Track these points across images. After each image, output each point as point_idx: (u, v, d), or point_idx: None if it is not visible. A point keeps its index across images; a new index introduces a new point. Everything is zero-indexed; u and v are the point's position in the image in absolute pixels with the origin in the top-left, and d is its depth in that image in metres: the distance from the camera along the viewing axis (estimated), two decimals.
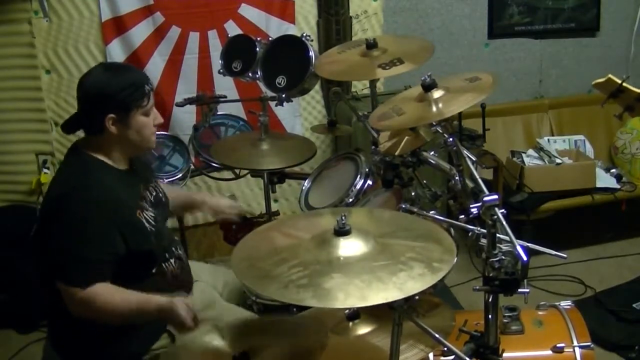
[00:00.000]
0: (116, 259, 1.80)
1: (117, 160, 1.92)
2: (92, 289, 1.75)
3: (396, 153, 1.98)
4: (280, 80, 2.39)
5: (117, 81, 1.84)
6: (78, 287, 1.75)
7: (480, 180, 1.65)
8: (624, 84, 1.85)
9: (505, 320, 1.87)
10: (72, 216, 1.77)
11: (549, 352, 1.82)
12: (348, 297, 1.25)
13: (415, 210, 1.89)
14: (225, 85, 3.27)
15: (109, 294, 1.77)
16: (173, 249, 2.05)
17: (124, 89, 1.83)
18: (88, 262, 1.77)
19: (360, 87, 3.71)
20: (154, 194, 2.05)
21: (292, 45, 2.44)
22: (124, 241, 1.82)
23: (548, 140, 3.85)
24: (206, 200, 2.35)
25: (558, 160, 3.62)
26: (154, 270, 1.94)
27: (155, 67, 3.41)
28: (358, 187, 2.22)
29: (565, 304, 2.00)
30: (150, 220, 1.93)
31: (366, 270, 1.32)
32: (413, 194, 2.04)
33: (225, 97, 2.92)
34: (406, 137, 1.96)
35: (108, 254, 1.79)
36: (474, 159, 1.77)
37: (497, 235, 1.46)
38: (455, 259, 1.37)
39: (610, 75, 1.88)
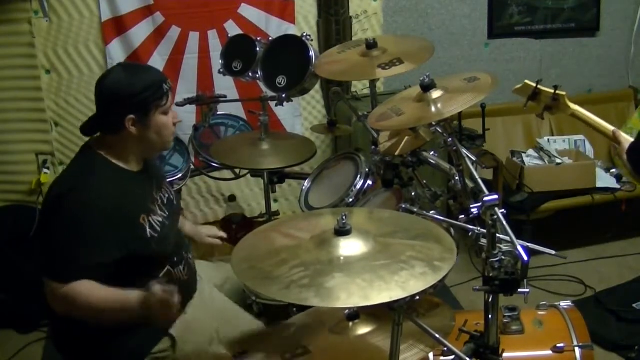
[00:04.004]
0: (106, 264, 1.78)
1: (131, 161, 1.91)
2: (74, 286, 1.73)
3: (396, 153, 1.98)
4: (281, 80, 2.39)
5: (135, 82, 1.84)
6: (59, 282, 1.74)
7: (480, 180, 1.65)
8: (539, 86, 1.97)
9: (505, 320, 1.87)
10: (68, 216, 1.76)
11: (549, 352, 1.82)
12: (350, 296, 1.25)
13: (415, 210, 1.89)
14: (225, 85, 3.27)
15: (90, 292, 1.74)
16: (183, 252, 2.03)
17: (143, 90, 1.83)
18: (74, 261, 1.75)
19: (360, 87, 3.71)
20: (167, 196, 2.04)
21: (293, 45, 2.44)
22: (119, 246, 1.80)
23: (548, 140, 3.85)
24: (190, 234, 2.36)
25: (558, 160, 3.62)
26: (160, 275, 1.92)
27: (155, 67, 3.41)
28: (358, 187, 2.22)
29: (565, 304, 2.00)
30: (156, 226, 1.90)
31: (367, 270, 1.32)
32: (413, 194, 2.04)
33: (225, 97, 2.92)
34: (406, 137, 1.96)
35: (98, 256, 1.77)
36: (474, 159, 1.77)
37: (497, 235, 1.46)
38: (456, 257, 1.37)
39: (526, 81, 2.00)
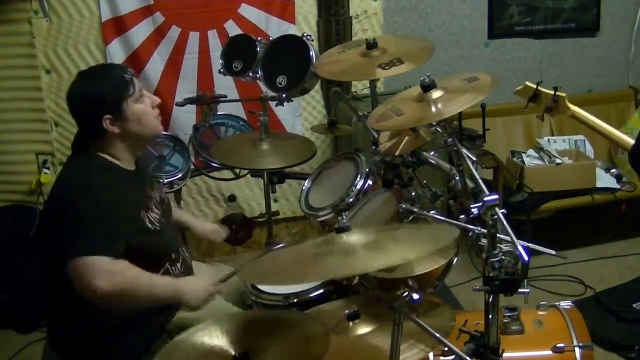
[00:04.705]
0: (123, 243, 1.78)
1: (125, 160, 1.93)
2: (121, 264, 1.73)
3: (396, 153, 1.98)
4: (281, 80, 2.39)
5: (97, 83, 1.86)
6: (102, 254, 1.70)
7: (480, 180, 1.65)
8: (539, 88, 2.01)
9: (505, 320, 1.87)
10: (76, 210, 1.76)
11: (549, 352, 1.82)
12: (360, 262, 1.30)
13: (415, 210, 1.89)
14: (225, 85, 3.27)
15: (139, 272, 1.75)
16: (180, 250, 2.05)
17: (107, 87, 1.84)
18: (100, 232, 1.73)
19: (360, 87, 3.71)
20: (158, 194, 2.06)
21: (293, 45, 2.44)
22: (129, 230, 1.81)
23: (548, 140, 3.85)
24: (196, 229, 2.37)
25: (558, 160, 3.62)
26: (160, 273, 1.93)
27: (155, 67, 3.41)
28: (358, 187, 2.22)
29: (565, 304, 2.00)
30: (154, 221, 1.92)
31: (371, 249, 1.35)
32: (413, 194, 2.04)
33: (225, 97, 2.92)
34: (406, 137, 1.96)
35: (116, 231, 1.77)
36: (474, 159, 1.77)
37: (497, 235, 1.46)
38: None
39: (526, 82, 2.04)
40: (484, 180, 1.67)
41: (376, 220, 2.09)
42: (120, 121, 1.86)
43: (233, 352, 1.52)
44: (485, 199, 1.43)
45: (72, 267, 1.71)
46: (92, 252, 1.72)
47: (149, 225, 1.90)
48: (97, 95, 1.83)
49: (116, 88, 1.85)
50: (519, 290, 1.45)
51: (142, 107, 1.90)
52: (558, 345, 1.81)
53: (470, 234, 1.64)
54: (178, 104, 2.87)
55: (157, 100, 1.97)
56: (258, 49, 2.49)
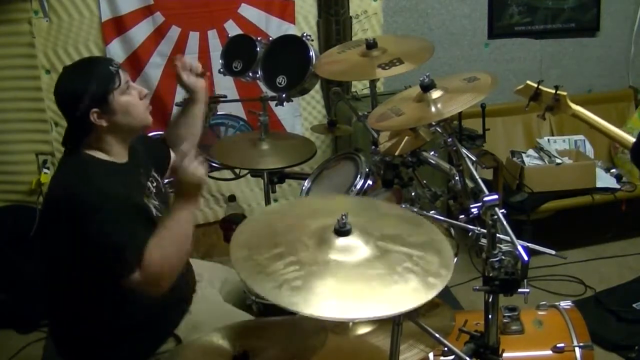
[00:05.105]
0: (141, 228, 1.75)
1: (117, 153, 1.90)
2: (145, 259, 1.67)
3: (396, 153, 1.98)
4: (281, 80, 2.39)
5: (81, 76, 1.84)
6: (135, 270, 1.66)
7: (480, 180, 1.66)
8: (540, 87, 2.01)
9: (505, 320, 1.87)
10: (83, 209, 1.72)
11: (549, 352, 1.82)
12: (338, 308, 1.22)
13: (415, 210, 1.88)
14: (225, 85, 3.26)
15: (158, 246, 1.70)
16: None
17: (92, 80, 1.82)
18: (122, 245, 1.69)
19: (360, 87, 3.71)
20: (155, 184, 2.04)
21: (293, 45, 2.44)
22: (142, 225, 1.77)
23: (548, 140, 3.85)
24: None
25: (558, 160, 3.62)
26: None
27: (155, 67, 3.41)
28: (358, 187, 2.22)
29: (565, 304, 2.00)
30: (159, 208, 1.92)
31: (361, 278, 1.28)
32: (413, 194, 2.04)
33: (225, 97, 2.92)
34: (406, 137, 1.96)
35: (132, 225, 1.73)
36: (474, 159, 1.77)
37: (497, 235, 1.46)
38: (450, 275, 1.32)
39: (528, 81, 2.04)
40: (484, 180, 1.67)
41: None
42: (108, 114, 1.83)
43: (233, 352, 1.53)
44: (485, 199, 1.43)
45: (146, 267, 1.67)
46: (126, 272, 1.67)
47: (155, 212, 1.89)
48: (83, 89, 1.81)
49: (101, 81, 1.82)
50: (519, 290, 1.46)
51: (129, 99, 1.87)
52: (558, 345, 1.81)
53: (470, 234, 1.64)
54: (178, 104, 2.85)
55: (145, 91, 1.95)
56: (258, 49, 2.49)
